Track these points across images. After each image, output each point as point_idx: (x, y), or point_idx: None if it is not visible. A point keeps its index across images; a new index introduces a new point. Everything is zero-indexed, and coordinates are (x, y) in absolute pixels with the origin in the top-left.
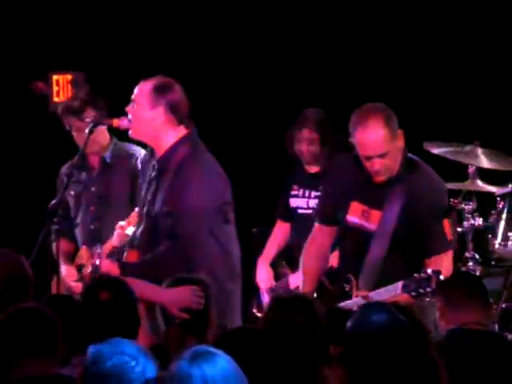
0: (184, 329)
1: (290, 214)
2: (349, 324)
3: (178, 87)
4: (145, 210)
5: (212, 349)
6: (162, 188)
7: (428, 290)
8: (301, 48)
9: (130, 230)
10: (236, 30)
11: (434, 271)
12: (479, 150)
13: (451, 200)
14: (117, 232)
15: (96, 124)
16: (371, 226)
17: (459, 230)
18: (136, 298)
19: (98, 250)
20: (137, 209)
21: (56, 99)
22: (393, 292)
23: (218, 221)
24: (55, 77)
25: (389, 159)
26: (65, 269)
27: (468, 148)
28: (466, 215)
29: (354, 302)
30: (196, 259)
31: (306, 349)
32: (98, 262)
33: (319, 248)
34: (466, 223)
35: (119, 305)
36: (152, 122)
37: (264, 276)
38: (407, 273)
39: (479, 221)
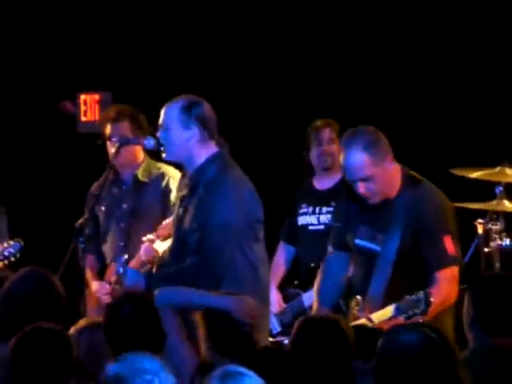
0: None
1: (296, 235)
2: (380, 342)
3: (204, 103)
4: (176, 226)
5: (242, 369)
6: (192, 204)
7: (417, 311)
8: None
9: (158, 244)
10: (255, 48)
11: (424, 292)
12: (508, 170)
13: (479, 221)
14: (144, 246)
15: (122, 144)
16: (378, 248)
17: (486, 250)
18: (158, 313)
19: (123, 260)
20: (164, 222)
21: (83, 119)
22: (389, 314)
23: (248, 239)
24: (83, 96)
25: (375, 183)
26: (95, 284)
27: (497, 169)
28: (493, 235)
29: (359, 324)
30: (222, 275)
31: (335, 368)
32: (121, 271)
33: (333, 273)
34: (492, 243)
35: (142, 320)
36: (187, 142)
37: (273, 299)
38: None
39: (506, 241)
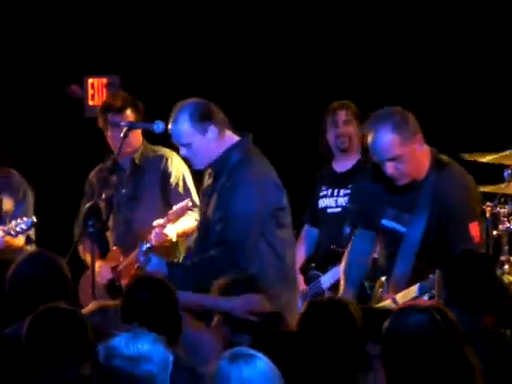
0: None
1: (318, 218)
2: (386, 324)
3: (198, 100)
4: (201, 215)
5: (251, 351)
6: (216, 192)
7: None
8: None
9: (169, 229)
10: (272, 30)
11: None
12: None
13: (487, 204)
14: (155, 231)
15: (131, 127)
16: (403, 229)
17: (494, 233)
18: (177, 298)
19: (145, 248)
20: (175, 207)
21: (91, 102)
22: (413, 294)
23: (270, 226)
24: (90, 80)
25: (403, 163)
26: (99, 265)
27: (506, 153)
28: (502, 218)
29: (384, 305)
30: (246, 264)
31: (343, 352)
32: (143, 259)
33: (359, 252)
34: (501, 226)
35: (160, 305)
36: (210, 143)
37: None
38: None
39: None
